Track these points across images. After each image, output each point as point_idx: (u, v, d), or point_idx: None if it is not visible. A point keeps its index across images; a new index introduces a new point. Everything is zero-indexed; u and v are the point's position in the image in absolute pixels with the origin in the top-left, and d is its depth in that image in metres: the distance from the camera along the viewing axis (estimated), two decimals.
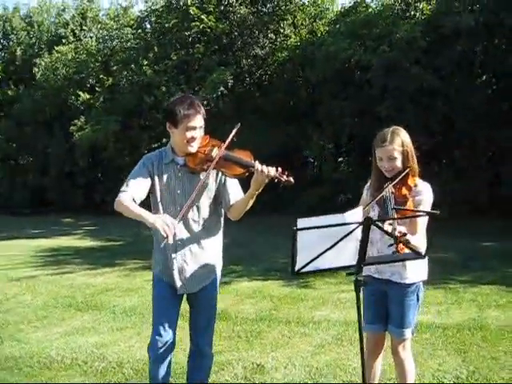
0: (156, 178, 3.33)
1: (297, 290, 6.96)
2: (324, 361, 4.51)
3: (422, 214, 2.82)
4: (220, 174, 3.30)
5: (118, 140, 14.88)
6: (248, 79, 15.23)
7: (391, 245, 2.83)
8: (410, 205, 3.11)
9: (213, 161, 3.18)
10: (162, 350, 3.36)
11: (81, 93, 15.26)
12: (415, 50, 10.99)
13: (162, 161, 3.35)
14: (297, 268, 2.26)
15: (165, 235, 2.93)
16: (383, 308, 3.35)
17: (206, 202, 3.31)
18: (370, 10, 12.49)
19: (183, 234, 3.31)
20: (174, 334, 3.44)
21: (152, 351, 3.40)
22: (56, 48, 16.92)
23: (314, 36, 14.23)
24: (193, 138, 3.23)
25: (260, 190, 3.10)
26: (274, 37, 14.70)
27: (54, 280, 8.29)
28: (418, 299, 3.34)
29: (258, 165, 3.04)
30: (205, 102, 14.21)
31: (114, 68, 15.46)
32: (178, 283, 3.35)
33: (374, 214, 3.20)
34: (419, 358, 4.40)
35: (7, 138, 17.11)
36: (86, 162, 15.52)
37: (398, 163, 3.21)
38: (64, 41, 17.73)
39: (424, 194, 3.23)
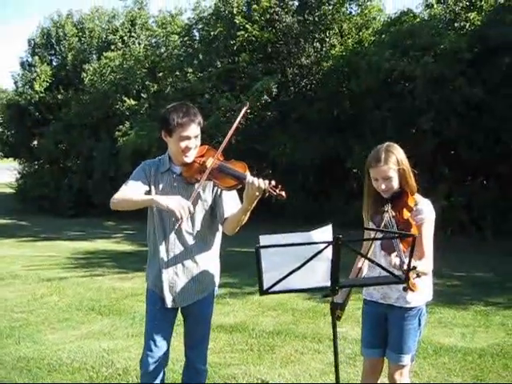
0: (152, 186, 3.26)
1: (320, 304, 6.76)
2: (332, 381, 4.33)
3: (397, 236, 2.63)
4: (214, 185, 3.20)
5: (161, 146, 14.91)
6: (292, 88, 15.11)
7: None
8: (413, 230, 2.93)
9: (206, 171, 3.08)
10: (152, 366, 3.29)
11: (126, 98, 15.48)
12: (460, 62, 10.65)
13: (159, 169, 3.29)
14: (265, 287, 2.13)
15: (179, 217, 2.89)
16: (383, 332, 3.17)
17: (200, 213, 3.22)
18: (417, 19, 12.19)
19: (177, 246, 3.23)
20: (168, 348, 3.36)
21: (142, 366, 3.34)
22: (104, 54, 17.29)
23: (361, 46, 14.03)
24: (187, 148, 3.14)
25: (254, 205, 2.98)
26: (320, 46, 14.54)
27: (83, 282, 8.35)
28: (419, 323, 3.14)
29: (249, 177, 2.91)
30: (249, 111, 14.20)
31: (160, 75, 15.62)
32: (168, 297, 3.26)
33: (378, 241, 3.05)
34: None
35: (55, 141, 17.53)
36: (130, 167, 15.72)
37: (395, 183, 3.04)
38: (113, 47, 18.10)
39: (425, 213, 3.05)
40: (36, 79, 19.07)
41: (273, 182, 2.89)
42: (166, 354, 3.33)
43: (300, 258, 2.11)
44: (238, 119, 3.22)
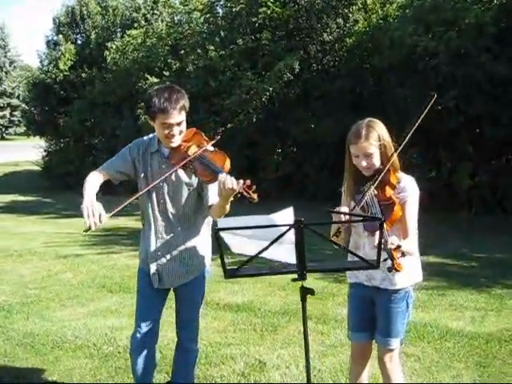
0: (141, 167, 3.22)
1: (332, 284, 6.67)
2: (330, 363, 4.28)
3: (358, 219, 2.51)
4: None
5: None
6: (315, 65, 14.86)
7: (385, 259, 2.58)
8: (397, 208, 2.82)
9: (185, 159, 3.02)
10: (141, 343, 3.32)
11: (149, 76, 15.43)
12: (485, 37, 10.27)
13: (148, 149, 3.24)
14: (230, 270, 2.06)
15: (87, 223, 2.75)
16: (370, 315, 3.09)
17: (184, 195, 3.17)
18: None
19: (164, 227, 3.21)
20: (157, 326, 3.38)
21: (132, 343, 3.37)
22: (127, 32, 17.25)
23: (385, 21, 13.68)
24: (170, 135, 3.06)
25: (230, 199, 2.90)
26: (343, 22, 14.25)
27: (99, 260, 8.42)
28: (407, 306, 3.04)
29: (222, 176, 2.81)
30: (270, 89, 14.04)
31: (182, 52, 15.51)
32: (154, 278, 3.25)
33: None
34: (432, 369, 4.09)
35: (80, 119, 17.64)
36: None
37: (376, 160, 2.91)
38: (136, 25, 18.05)
39: (408, 190, 2.92)
40: (61, 58, 19.19)
41: (247, 182, 2.79)
42: (156, 331, 3.36)
43: (263, 240, 2.03)
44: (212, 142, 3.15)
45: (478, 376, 4.00)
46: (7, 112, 56.02)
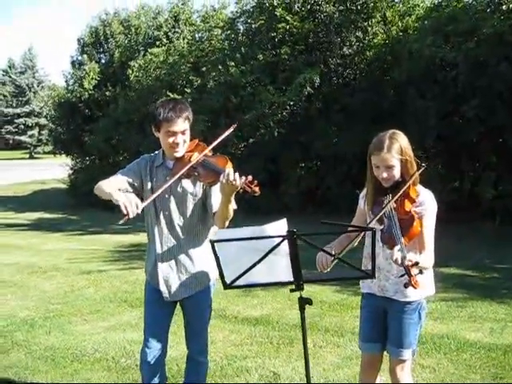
0: (147, 180, 3.30)
1: (350, 297, 6.66)
2: (345, 375, 4.28)
3: (354, 230, 2.53)
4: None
5: (206, 139, 14.99)
6: (335, 79, 14.92)
7: (402, 275, 2.62)
8: (416, 224, 2.83)
9: (187, 165, 3.09)
10: (150, 357, 3.36)
11: (171, 94, 15.61)
12: (504, 46, 10.21)
13: (154, 163, 3.33)
14: (228, 281, 2.10)
15: (125, 211, 2.86)
16: (382, 326, 3.09)
17: (191, 206, 3.24)
18: (460, 4, 11.76)
19: (170, 240, 3.27)
20: (166, 340, 3.44)
21: (141, 357, 3.41)
22: (149, 50, 17.52)
23: (405, 33, 13.69)
24: (175, 143, 3.15)
25: (232, 198, 2.96)
26: (362, 35, 14.28)
27: (121, 275, 8.51)
28: (420, 317, 3.04)
29: (224, 173, 2.88)
30: (291, 103, 14.12)
31: (203, 69, 15.69)
32: (163, 290, 3.31)
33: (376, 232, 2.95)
34: (447, 380, 4.06)
35: (105, 138, 17.89)
36: None
37: (397, 172, 2.93)
38: (158, 43, 18.32)
39: (427, 204, 2.93)
40: (85, 77, 19.55)
41: (249, 177, 2.85)
42: (164, 345, 3.39)
43: (259, 252, 2.07)
44: (224, 136, 3.22)
45: None
46: (35, 131, 57.23)
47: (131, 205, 2.89)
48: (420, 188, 2.99)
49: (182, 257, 3.26)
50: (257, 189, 2.81)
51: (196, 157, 3.13)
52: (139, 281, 8.06)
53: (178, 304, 3.41)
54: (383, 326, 3.09)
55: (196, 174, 3.11)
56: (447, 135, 11.92)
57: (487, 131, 11.23)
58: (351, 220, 3.22)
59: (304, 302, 2.27)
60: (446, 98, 11.30)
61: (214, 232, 3.35)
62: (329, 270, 2.67)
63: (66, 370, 4.68)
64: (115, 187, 3.13)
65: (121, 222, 2.91)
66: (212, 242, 2.09)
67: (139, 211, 2.92)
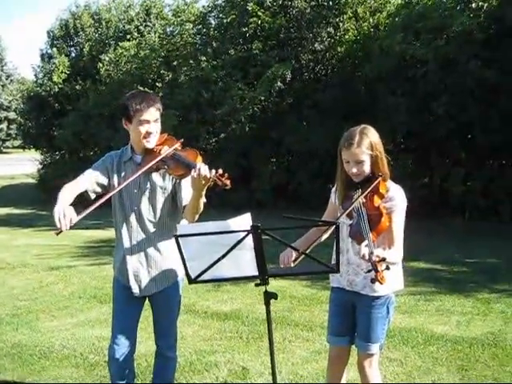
0: (114, 176, 3.27)
1: (319, 291, 6.69)
2: (313, 369, 4.30)
3: (318, 224, 2.54)
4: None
5: (177, 134, 14.89)
6: (306, 74, 14.97)
7: (370, 270, 2.61)
8: (384, 219, 2.83)
9: (157, 158, 3.06)
10: (118, 353, 3.31)
11: (141, 88, 15.47)
12: (473, 43, 10.36)
13: (121, 158, 3.29)
14: (193, 276, 2.09)
15: (58, 225, 2.78)
16: (350, 320, 3.11)
17: (161, 200, 3.21)
18: (430, 2, 11.87)
19: (139, 234, 3.23)
20: (134, 336, 3.39)
21: (110, 353, 3.36)
22: (120, 44, 17.35)
23: (376, 30, 13.80)
24: (148, 133, 3.14)
25: (204, 192, 2.95)
26: (334, 31, 14.36)
27: (90, 271, 8.42)
28: (388, 312, 3.06)
29: (195, 167, 2.87)
30: (262, 98, 14.12)
31: (175, 63, 15.60)
32: (133, 285, 3.27)
33: (346, 227, 2.96)
34: (414, 373, 4.11)
35: (74, 132, 17.65)
36: None
37: (366, 167, 2.92)
38: (128, 37, 18.14)
39: (396, 200, 2.93)
40: (55, 70, 19.27)
41: (220, 171, 2.85)
42: (133, 341, 3.35)
43: (224, 246, 2.07)
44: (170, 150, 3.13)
45: (458, 380, 4.03)
46: (4, 125, 56.14)
47: (65, 218, 2.78)
48: (390, 183, 2.99)
49: (152, 251, 3.23)
50: (227, 182, 2.80)
51: (166, 150, 3.11)
52: (109, 276, 7.88)
53: (147, 299, 3.38)
54: (351, 320, 3.11)
55: (166, 167, 3.09)
56: (418, 131, 12.07)
57: (457, 128, 11.39)
58: (323, 215, 3.22)
59: (269, 297, 2.27)
60: (416, 94, 11.43)
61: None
62: (293, 265, 2.67)
63: (33, 367, 4.61)
64: (72, 192, 3.06)
65: (53, 233, 2.84)
66: (176, 237, 2.07)
67: (73, 224, 2.81)
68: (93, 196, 3.24)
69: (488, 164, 12.58)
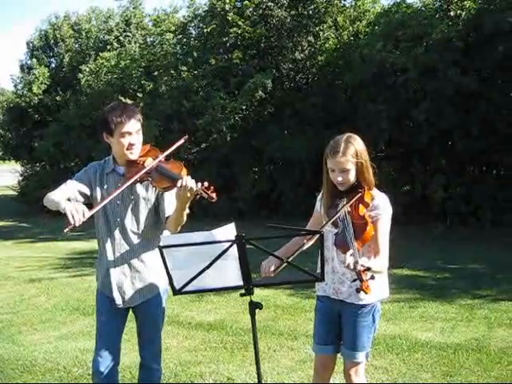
0: (97, 188, 3.25)
1: (304, 300, 6.69)
2: (299, 378, 4.30)
3: (302, 233, 2.55)
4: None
5: (158, 144, 14.84)
6: (287, 83, 15.03)
7: (355, 280, 2.60)
8: (369, 228, 2.83)
9: (141, 170, 3.05)
10: (103, 365, 3.28)
11: (122, 98, 15.41)
12: (452, 51, 10.48)
13: (104, 170, 3.27)
14: (178, 287, 2.07)
15: (71, 220, 2.79)
16: (336, 328, 3.10)
17: (144, 212, 3.20)
18: (410, 9, 12.02)
19: (122, 246, 3.21)
20: (118, 348, 3.37)
21: (94, 366, 3.33)
22: (101, 54, 17.26)
23: (356, 38, 13.91)
24: (131, 145, 3.12)
25: (188, 205, 2.94)
26: (314, 40, 14.43)
27: (73, 283, 8.34)
28: (373, 320, 3.06)
29: (181, 179, 2.86)
30: (243, 107, 14.12)
31: (156, 73, 15.56)
32: (117, 297, 3.25)
33: (331, 235, 2.96)
34: (399, 380, 4.12)
35: (55, 143, 17.49)
36: None
37: (352, 176, 2.93)
38: (109, 47, 18.07)
39: (381, 209, 2.94)
40: (34, 81, 19.12)
41: (205, 184, 2.84)
42: (117, 353, 3.33)
43: (208, 257, 2.05)
44: (176, 146, 3.20)
45: None
46: None
47: (78, 213, 2.82)
48: (375, 192, 3.00)
49: (135, 262, 3.21)
50: (214, 195, 2.78)
51: (150, 162, 3.10)
52: (91, 288, 7.90)
53: (131, 311, 3.36)
54: (337, 329, 3.10)
55: (150, 179, 3.07)
56: (399, 139, 12.16)
57: (437, 135, 11.49)
58: (307, 223, 3.22)
59: (254, 307, 2.26)
60: (396, 102, 11.52)
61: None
62: (273, 275, 2.66)
63: (15, 382, 4.54)
64: (63, 196, 3.05)
65: (66, 230, 2.81)
66: (160, 248, 2.06)
67: (85, 219, 2.85)
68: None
69: (468, 170, 12.71)
